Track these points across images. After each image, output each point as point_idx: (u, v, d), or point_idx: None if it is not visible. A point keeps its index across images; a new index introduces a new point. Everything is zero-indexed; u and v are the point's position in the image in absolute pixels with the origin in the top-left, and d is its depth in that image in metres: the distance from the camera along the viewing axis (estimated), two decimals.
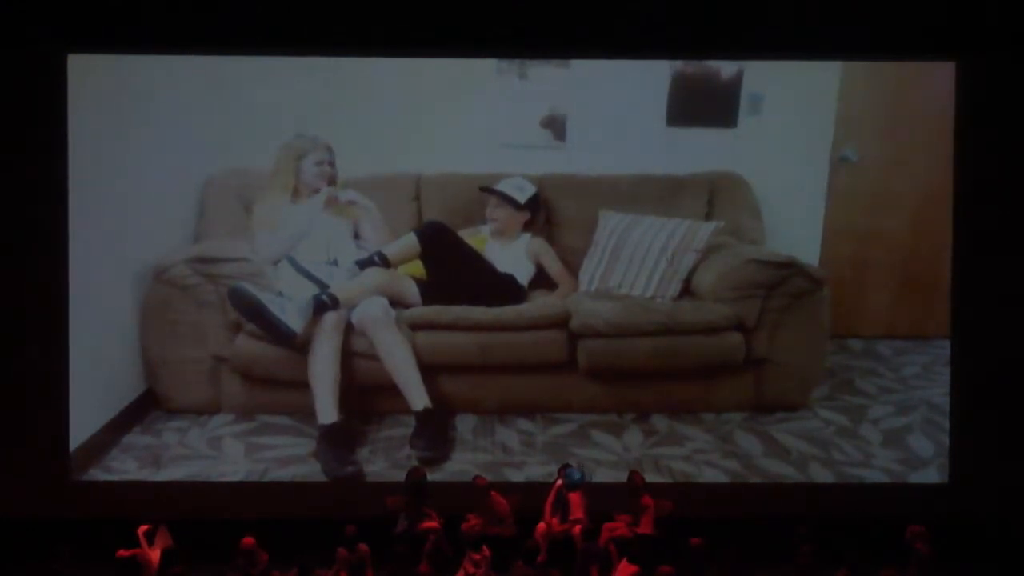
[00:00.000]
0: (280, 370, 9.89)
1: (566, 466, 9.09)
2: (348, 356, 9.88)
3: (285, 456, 9.82)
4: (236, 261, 9.91)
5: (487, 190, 10.29)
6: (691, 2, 9.47)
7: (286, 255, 10.07)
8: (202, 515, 9.22)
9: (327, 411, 9.77)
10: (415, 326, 9.96)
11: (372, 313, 9.87)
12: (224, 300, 9.85)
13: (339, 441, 9.79)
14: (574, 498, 8.87)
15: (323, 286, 9.93)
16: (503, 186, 10.29)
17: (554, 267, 10.45)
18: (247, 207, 10.18)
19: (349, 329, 9.87)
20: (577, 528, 8.75)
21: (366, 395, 9.98)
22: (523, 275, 10.39)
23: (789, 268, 10.02)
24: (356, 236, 10.30)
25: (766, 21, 9.47)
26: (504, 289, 10.25)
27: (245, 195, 10.19)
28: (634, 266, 10.26)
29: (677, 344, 9.99)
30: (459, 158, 10.33)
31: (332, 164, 10.11)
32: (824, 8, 9.45)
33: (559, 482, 8.96)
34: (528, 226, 10.42)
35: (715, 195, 10.43)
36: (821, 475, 9.85)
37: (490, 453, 9.93)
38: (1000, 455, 9.64)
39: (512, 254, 10.40)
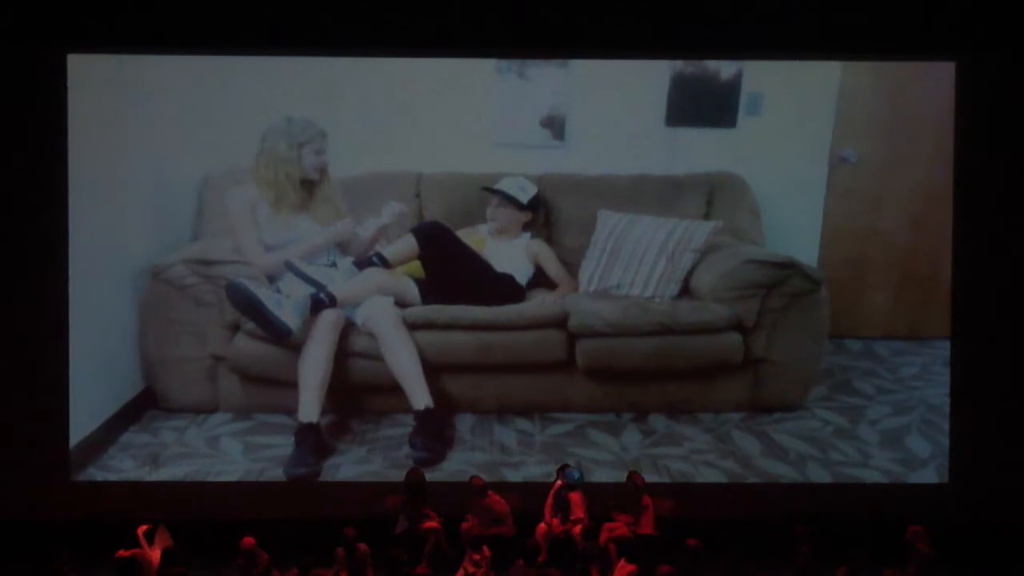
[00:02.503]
0: (278, 369, 9.88)
1: (565, 466, 9.10)
2: (349, 356, 9.88)
3: (283, 455, 9.79)
4: (233, 264, 9.90)
5: (489, 190, 10.29)
6: (691, 2, 9.47)
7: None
8: (202, 515, 9.23)
9: (307, 410, 9.72)
10: (414, 326, 9.95)
11: (378, 312, 9.87)
12: (222, 300, 9.84)
13: (307, 442, 9.71)
14: (575, 498, 8.88)
15: (321, 288, 9.91)
16: (505, 186, 10.28)
17: (553, 267, 10.44)
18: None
19: (351, 328, 9.87)
20: (577, 528, 8.76)
21: (365, 395, 9.98)
22: (522, 275, 10.38)
23: (788, 268, 10.03)
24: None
25: (766, 21, 9.47)
26: (502, 289, 10.24)
27: None
28: (633, 266, 10.25)
29: (675, 344, 10.00)
30: (459, 157, 10.32)
31: (325, 151, 10.04)
32: (824, 8, 9.46)
33: (558, 483, 8.98)
34: (528, 226, 10.42)
35: (714, 195, 10.43)
36: (819, 475, 9.85)
37: (488, 453, 9.93)
38: (999, 455, 9.65)
39: (511, 254, 10.39)
